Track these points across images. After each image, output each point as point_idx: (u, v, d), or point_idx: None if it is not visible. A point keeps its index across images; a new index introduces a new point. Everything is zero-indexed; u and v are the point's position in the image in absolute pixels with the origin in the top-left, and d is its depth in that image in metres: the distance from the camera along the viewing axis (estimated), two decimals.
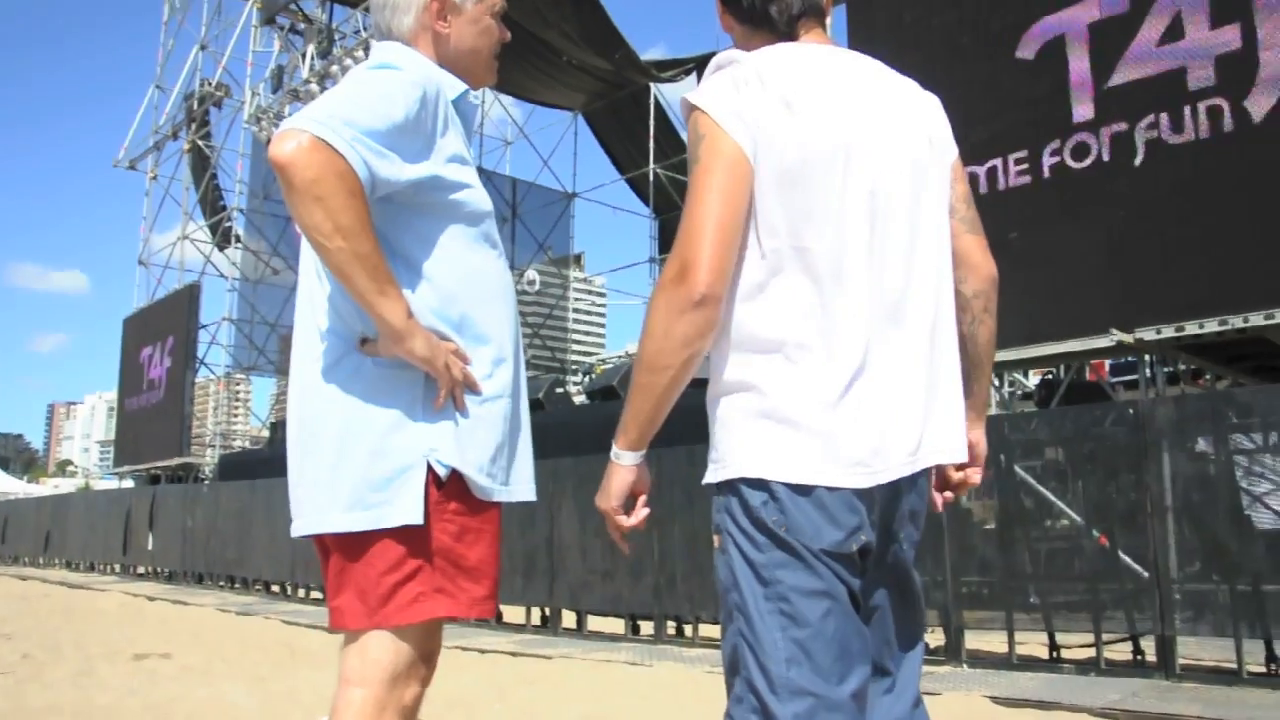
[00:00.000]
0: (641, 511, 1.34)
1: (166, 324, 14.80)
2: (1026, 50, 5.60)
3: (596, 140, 16.14)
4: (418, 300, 1.46)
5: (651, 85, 14.74)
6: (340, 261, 1.35)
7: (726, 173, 1.25)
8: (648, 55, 14.27)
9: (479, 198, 1.53)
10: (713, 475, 1.28)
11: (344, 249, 1.33)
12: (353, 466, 1.43)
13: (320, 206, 1.32)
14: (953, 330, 1.35)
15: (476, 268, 1.52)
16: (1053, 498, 4.45)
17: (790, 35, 1.39)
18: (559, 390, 9.21)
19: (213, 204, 16.20)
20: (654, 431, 1.30)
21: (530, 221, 16.66)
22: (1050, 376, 9.00)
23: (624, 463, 1.32)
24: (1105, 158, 5.23)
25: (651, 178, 14.90)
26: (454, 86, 1.57)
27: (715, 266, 1.22)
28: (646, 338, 1.25)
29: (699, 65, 13.85)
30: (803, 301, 1.25)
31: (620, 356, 15.47)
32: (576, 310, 18.92)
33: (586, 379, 14.23)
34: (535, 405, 8.07)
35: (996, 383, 7.83)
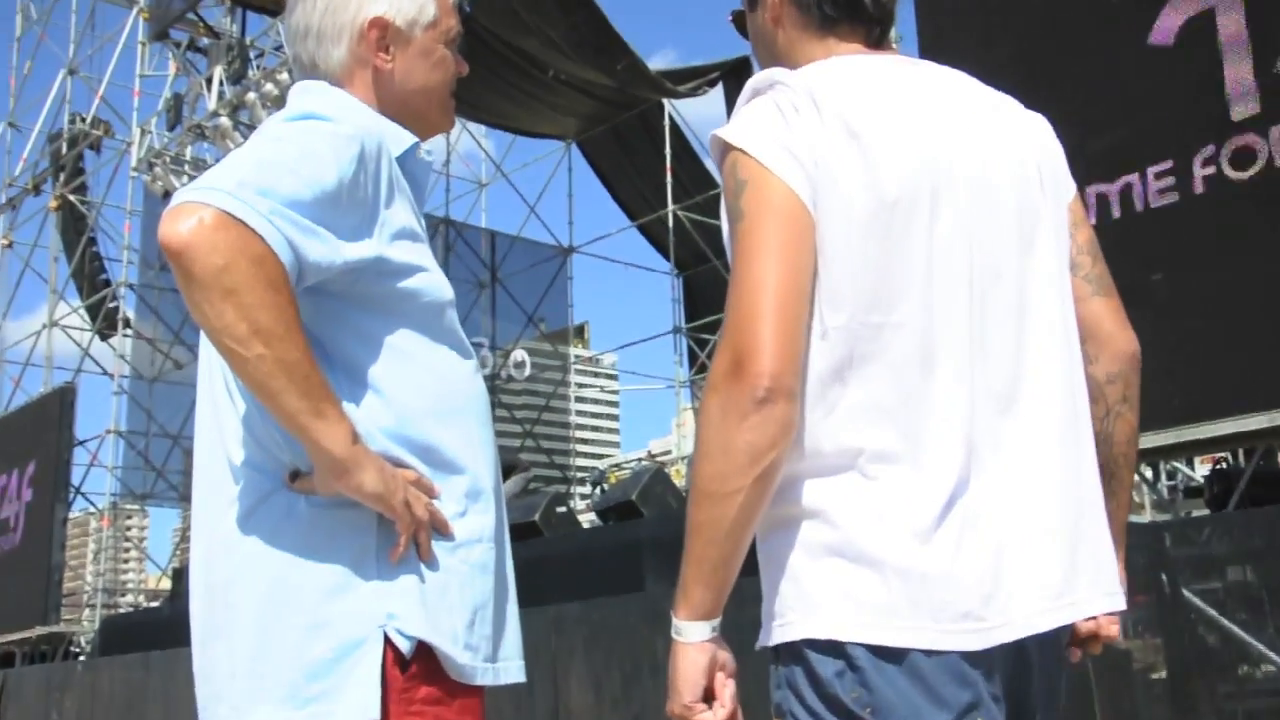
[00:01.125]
0: (728, 702, 1.31)
1: (27, 442, 13.30)
2: (1163, 32, 5.53)
3: (597, 177, 16.20)
4: (365, 419, 1.49)
5: (665, 103, 14.83)
6: (261, 374, 1.36)
7: (782, 228, 1.29)
8: (656, 63, 14.48)
9: (437, 284, 1.57)
10: (769, 637, 1.29)
11: (265, 357, 1.36)
12: (283, 647, 1.44)
13: (231, 303, 1.34)
14: (1088, 424, 1.37)
15: (440, 374, 1.56)
16: (1245, 635, 4.29)
17: (870, 42, 1.45)
18: (560, 509, 9.09)
19: (91, 279, 15.62)
20: (728, 588, 1.29)
21: (515, 286, 16.76)
22: (1225, 466, 8.87)
23: (690, 639, 1.30)
24: (1279, 163, 5.08)
25: (671, 222, 14.95)
26: (400, 139, 1.62)
27: (780, 351, 1.25)
28: (702, 458, 1.26)
29: (726, 75, 13.99)
30: (881, 396, 1.28)
31: (640, 459, 15.38)
32: (581, 400, 19.48)
33: (596, 491, 14.31)
34: (530, 530, 7.93)
35: (1149, 475, 7.68)
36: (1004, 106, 1.44)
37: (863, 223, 1.29)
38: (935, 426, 1.26)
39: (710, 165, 14.31)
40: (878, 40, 1.47)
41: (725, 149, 1.35)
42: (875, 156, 1.31)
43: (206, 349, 1.53)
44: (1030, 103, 1.55)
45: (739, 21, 1.59)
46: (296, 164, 1.42)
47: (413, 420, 1.51)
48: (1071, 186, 1.46)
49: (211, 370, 1.56)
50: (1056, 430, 1.32)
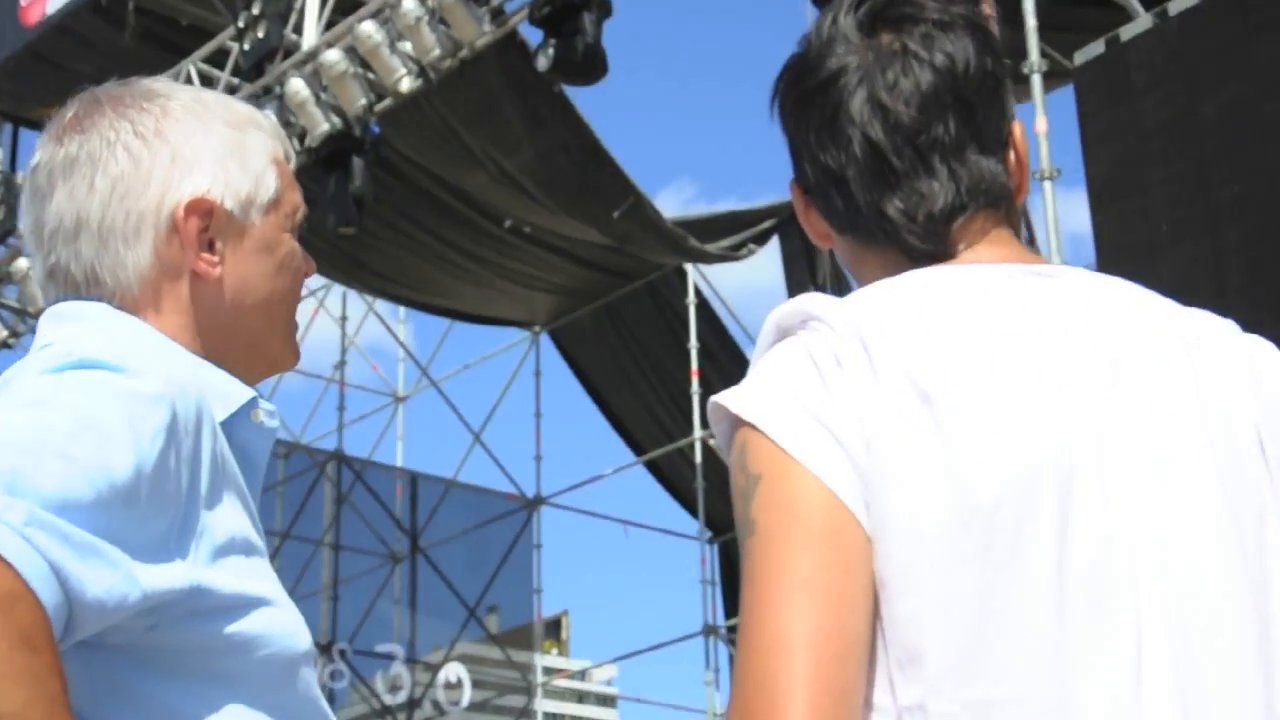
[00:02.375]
0: None
1: None
2: None
3: (580, 383, 16.27)
4: None
5: (688, 269, 15.19)
6: None
7: (817, 549, 1.37)
8: (669, 206, 14.93)
9: (284, 626, 1.65)
10: None
11: None
12: None
13: None
14: None
15: None
16: None
17: (936, 253, 1.56)
18: None
19: None
20: None
21: (450, 559, 16.71)
22: None
23: None
24: None
25: (699, 456, 15.03)
26: (227, 395, 1.73)
27: None
28: None
29: (784, 225, 14.48)
30: None
31: None
32: None
33: None
34: None
35: None
36: (1204, 338, 1.53)
37: (943, 539, 1.37)
38: None
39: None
40: (950, 253, 1.56)
41: (731, 424, 1.45)
42: (960, 433, 1.40)
43: None
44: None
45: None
46: (68, 443, 1.48)
47: None
48: None
49: None
50: None
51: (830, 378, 1.43)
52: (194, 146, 1.82)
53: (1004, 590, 1.38)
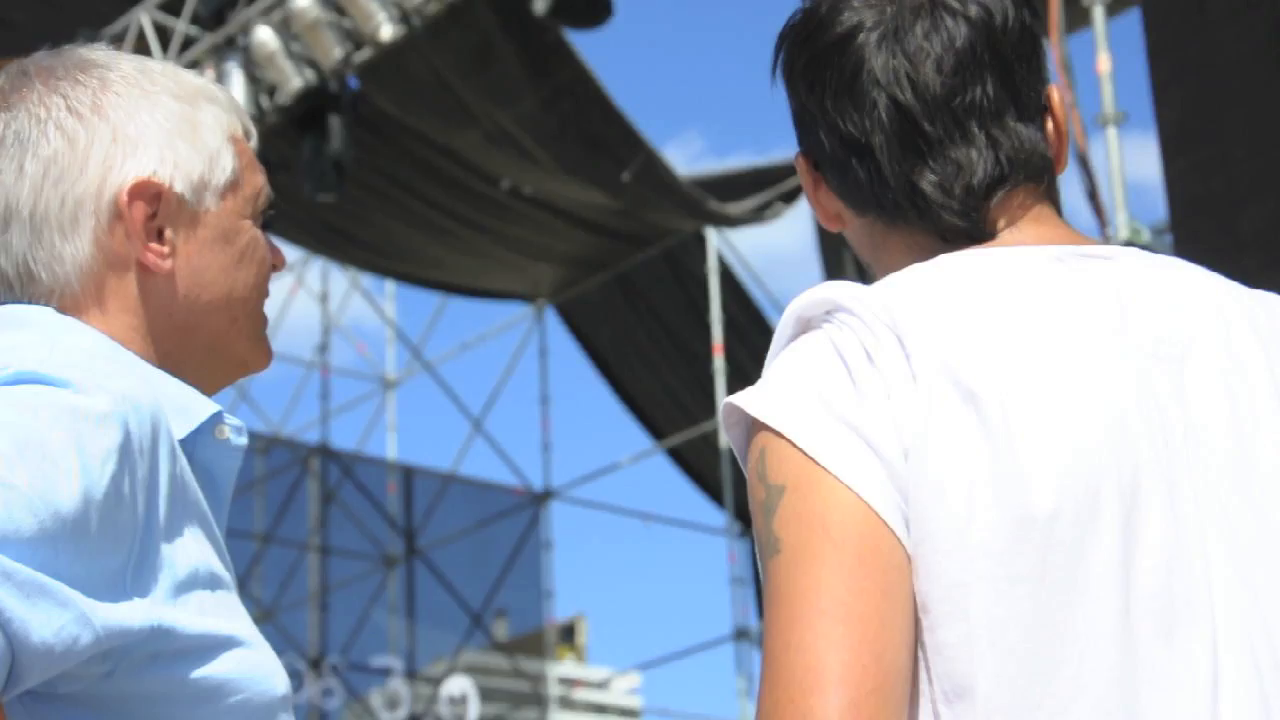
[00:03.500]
0: None
1: None
2: None
3: (590, 362, 16.43)
4: None
5: (708, 234, 15.24)
6: None
7: (851, 569, 1.37)
8: (677, 160, 14.92)
9: (256, 669, 1.65)
10: None
11: None
12: None
13: None
14: None
15: None
16: None
17: (974, 232, 1.57)
18: None
19: None
20: None
21: (451, 562, 16.82)
22: None
23: None
24: None
25: (724, 440, 14.66)
26: (187, 409, 1.72)
27: None
28: None
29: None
30: None
31: None
32: None
33: None
34: None
35: None
36: (1278, 326, 1.54)
37: (995, 556, 1.37)
38: None
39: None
40: (990, 232, 1.57)
41: (747, 427, 1.46)
42: (1010, 437, 1.39)
43: None
44: None
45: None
46: (6, 468, 1.46)
47: None
48: None
49: None
50: None
51: (861, 376, 1.42)
52: (138, 123, 1.80)
53: (1063, 612, 1.38)
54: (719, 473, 15.33)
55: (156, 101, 1.83)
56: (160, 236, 1.78)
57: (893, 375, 1.42)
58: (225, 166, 1.85)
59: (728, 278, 15.33)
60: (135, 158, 1.79)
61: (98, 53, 1.86)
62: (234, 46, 10.07)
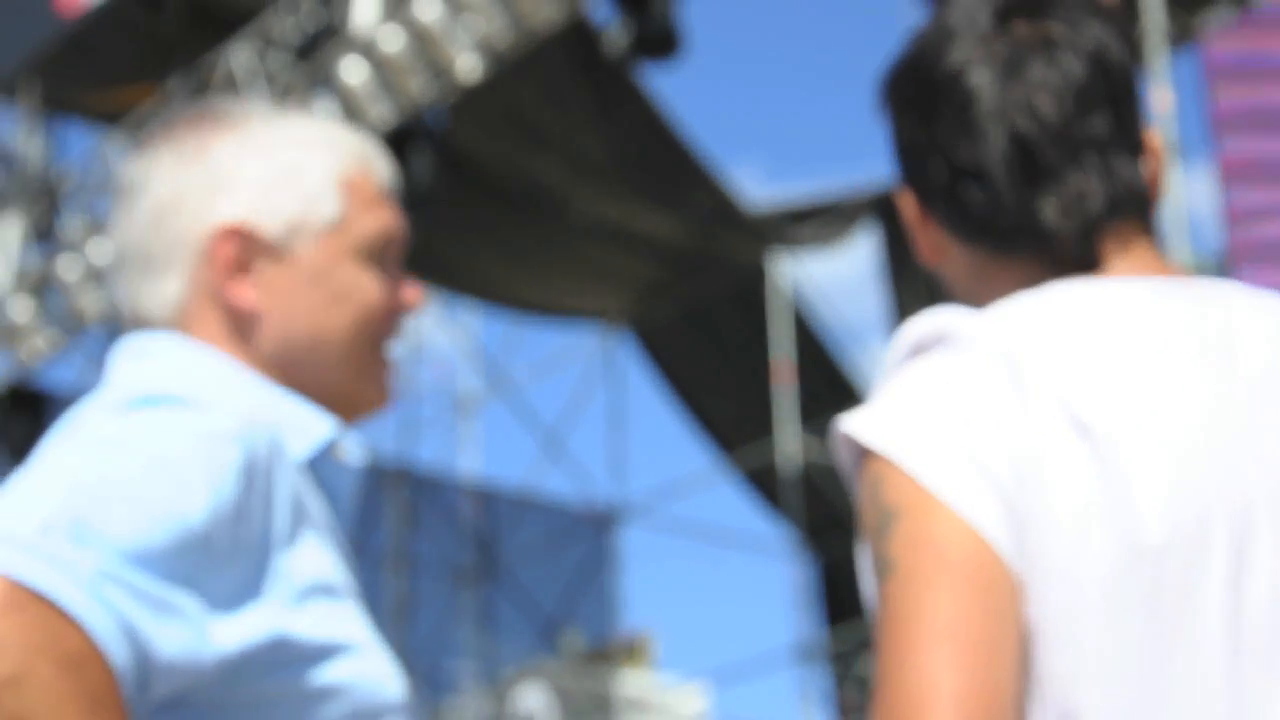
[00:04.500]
0: None
1: None
2: None
3: (664, 387, 16.30)
4: None
5: (779, 260, 15.11)
6: None
7: (965, 594, 1.35)
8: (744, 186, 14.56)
9: (376, 672, 1.68)
10: None
11: None
12: None
13: None
14: None
15: None
16: None
17: (1087, 261, 1.54)
18: None
19: None
20: None
21: (521, 576, 16.75)
22: None
23: None
24: None
25: (797, 463, 14.85)
26: (306, 430, 1.76)
27: None
28: None
29: (876, 209, 14.24)
30: None
31: None
32: None
33: None
34: None
35: None
36: None
37: (1108, 586, 1.36)
38: None
39: (852, 354, 15.42)
40: (1096, 263, 1.55)
41: (857, 452, 1.43)
42: (1124, 469, 1.38)
43: None
44: None
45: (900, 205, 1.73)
46: (139, 486, 1.51)
47: None
48: None
49: None
50: None
51: (975, 405, 1.41)
52: (236, 168, 1.84)
53: (1173, 643, 1.36)
54: (789, 494, 15.10)
55: (259, 147, 1.86)
56: (246, 268, 1.81)
57: (1006, 405, 1.41)
58: (325, 209, 1.85)
59: (795, 304, 15.24)
60: (229, 200, 1.82)
61: (226, 105, 1.92)
62: (324, 81, 10.28)
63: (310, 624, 1.63)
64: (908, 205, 1.63)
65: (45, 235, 12.59)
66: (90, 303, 11.79)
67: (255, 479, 1.60)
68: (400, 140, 10.12)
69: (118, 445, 1.58)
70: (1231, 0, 9.87)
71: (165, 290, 1.81)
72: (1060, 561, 1.36)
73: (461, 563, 16.58)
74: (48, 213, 12.58)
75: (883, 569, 1.39)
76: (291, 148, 1.86)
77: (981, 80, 1.56)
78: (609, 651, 16.95)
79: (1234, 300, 1.52)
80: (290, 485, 1.66)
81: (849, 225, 14.52)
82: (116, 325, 12.14)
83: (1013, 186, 1.53)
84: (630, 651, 17.24)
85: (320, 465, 1.77)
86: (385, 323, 1.86)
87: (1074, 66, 1.55)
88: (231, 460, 1.59)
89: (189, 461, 1.57)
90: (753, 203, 14.36)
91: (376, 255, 1.85)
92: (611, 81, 12.41)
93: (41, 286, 12.45)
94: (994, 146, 1.55)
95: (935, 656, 1.33)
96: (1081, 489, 1.37)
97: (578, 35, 11.73)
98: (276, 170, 1.84)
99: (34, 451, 1.62)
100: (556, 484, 16.99)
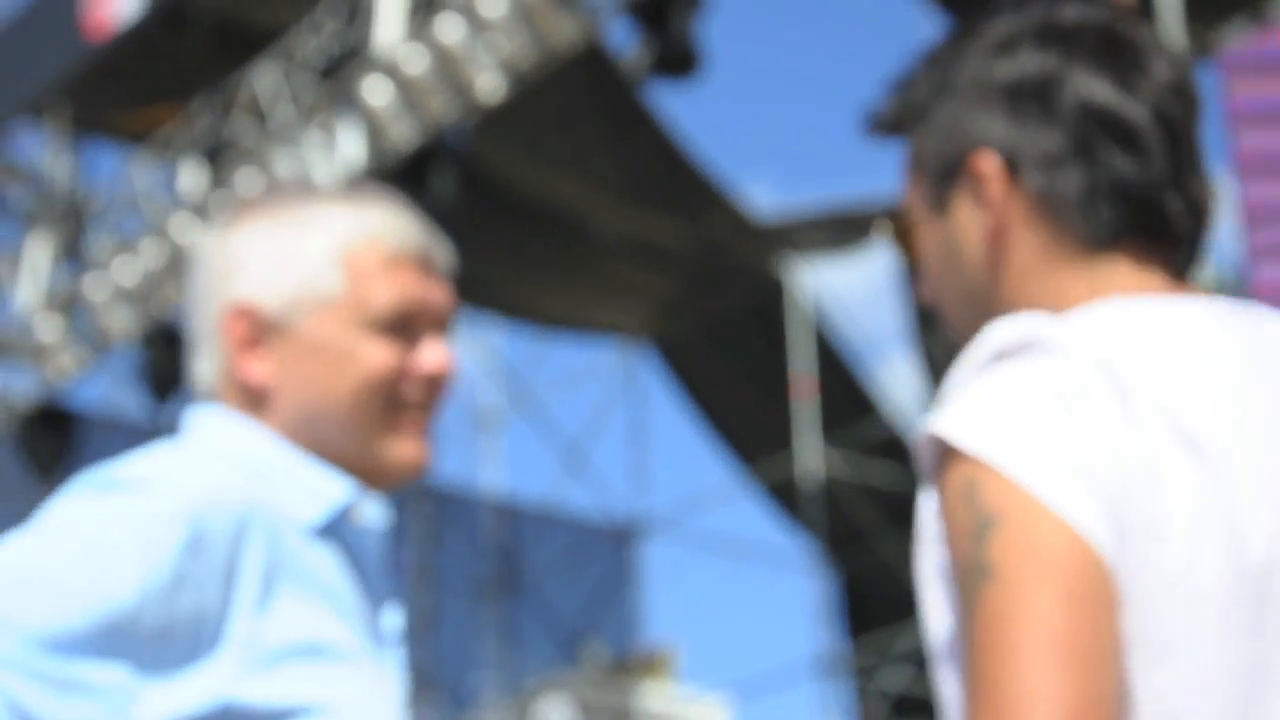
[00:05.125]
0: None
1: None
2: None
3: (685, 401, 16.25)
4: None
5: (797, 273, 15.15)
6: None
7: (1068, 603, 1.32)
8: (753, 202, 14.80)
9: None
10: None
11: None
12: None
13: None
14: None
15: None
16: None
17: (1178, 265, 1.53)
18: None
19: None
20: None
21: (544, 590, 16.76)
22: None
23: None
24: None
25: (824, 467, 14.78)
26: (315, 494, 1.81)
27: None
28: None
29: (889, 221, 14.26)
30: None
31: None
32: None
33: None
34: None
35: None
36: None
37: (1218, 604, 1.33)
38: None
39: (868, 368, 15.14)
40: (1182, 267, 1.54)
41: (941, 455, 1.39)
42: (1225, 484, 1.36)
43: None
44: None
45: (898, 230, 1.69)
46: (68, 572, 1.58)
47: None
48: None
49: None
50: None
51: (1075, 412, 1.37)
52: (247, 250, 1.90)
53: (1273, 662, 1.35)
54: (811, 507, 15.00)
55: (268, 229, 1.91)
56: (256, 343, 1.86)
57: (1107, 414, 1.38)
58: (324, 285, 1.87)
59: (815, 317, 15.14)
60: (240, 281, 1.89)
61: (280, 187, 1.98)
62: (346, 101, 10.27)
63: (271, 689, 1.65)
64: (989, 173, 1.52)
65: (73, 254, 12.66)
66: (117, 321, 11.72)
67: (206, 553, 1.64)
68: (422, 159, 10.18)
69: (61, 532, 1.65)
70: (1249, 15, 9.82)
71: (203, 367, 1.90)
72: (1171, 575, 1.34)
73: (484, 577, 16.54)
74: (75, 232, 12.67)
75: (978, 574, 1.35)
76: (295, 228, 1.91)
77: (1074, 73, 1.52)
78: (631, 664, 16.78)
79: (1272, 325, 1.50)
80: (266, 553, 1.69)
81: (865, 232, 14.37)
82: (142, 344, 12.29)
83: (1164, 155, 1.50)
84: (652, 664, 16.98)
85: (340, 526, 1.80)
86: (395, 387, 1.87)
87: (1161, 69, 1.53)
88: (172, 540, 1.63)
89: (122, 545, 1.62)
90: (767, 214, 14.44)
91: (393, 323, 1.87)
92: (629, 100, 12.44)
93: (69, 305, 12.46)
94: (1150, 113, 1.50)
95: (1041, 665, 1.30)
96: (1192, 503, 1.35)
97: (597, 55, 11.73)
98: (279, 251, 1.89)
99: (60, 469, 1.69)
100: (578, 498, 16.90)
